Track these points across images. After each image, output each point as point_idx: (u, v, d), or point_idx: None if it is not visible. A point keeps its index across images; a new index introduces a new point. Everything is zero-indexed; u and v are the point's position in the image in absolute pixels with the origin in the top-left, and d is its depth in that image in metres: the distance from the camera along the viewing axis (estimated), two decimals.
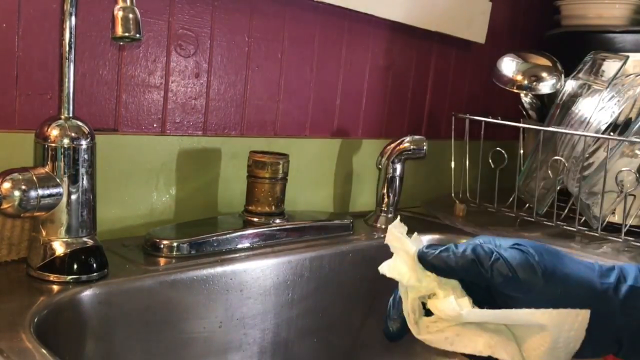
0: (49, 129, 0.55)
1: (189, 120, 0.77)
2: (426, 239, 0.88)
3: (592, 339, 0.45)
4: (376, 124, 1.03)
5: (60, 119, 0.55)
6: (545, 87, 0.97)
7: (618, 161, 0.91)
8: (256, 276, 0.69)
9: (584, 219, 0.94)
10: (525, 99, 1.07)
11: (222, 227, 0.73)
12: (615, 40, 1.13)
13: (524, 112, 1.10)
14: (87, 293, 0.55)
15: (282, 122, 0.88)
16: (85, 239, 0.57)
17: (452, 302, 0.44)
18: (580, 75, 0.98)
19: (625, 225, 0.90)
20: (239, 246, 0.71)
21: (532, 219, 0.97)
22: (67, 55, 0.55)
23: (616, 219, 0.94)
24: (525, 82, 0.97)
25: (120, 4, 0.50)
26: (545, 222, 0.95)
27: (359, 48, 0.97)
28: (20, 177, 0.52)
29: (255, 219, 0.75)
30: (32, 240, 0.57)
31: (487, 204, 1.03)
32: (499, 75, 0.99)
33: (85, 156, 0.56)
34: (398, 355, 0.86)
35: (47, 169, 0.55)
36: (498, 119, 1.02)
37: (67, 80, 0.55)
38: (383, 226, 0.90)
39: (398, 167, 0.90)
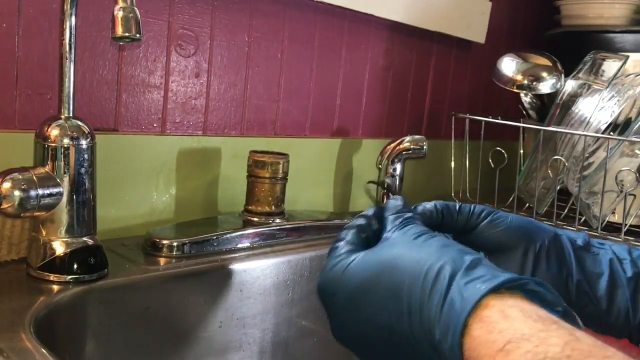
0: (49, 129, 0.55)
1: (189, 120, 0.77)
2: None
3: None
4: (376, 123, 1.03)
5: (60, 118, 0.55)
6: (545, 86, 0.97)
7: (618, 161, 0.91)
8: (256, 276, 0.69)
9: (584, 218, 0.94)
10: (525, 98, 1.07)
11: (222, 226, 0.73)
12: (615, 40, 1.13)
13: (524, 112, 1.10)
14: (87, 293, 0.55)
15: (282, 122, 0.88)
16: (85, 239, 0.57)
17: None
18: (580, 75, 0.98)
19: (625, 225, 0.90)
20: (239, 246, 0.71)
21: (532, 219, 0.97)
22: (67, 55, 0.55)
23: (616, 218, 0.94)
24: (525, 81, 0.97)
25: (120, 4, 0.50)
26: (545, 222, 0.95)
27: (359, 48, 0.97)
28: (20, 177, 0.52)
29: (255, 219, 0.75)
30: (32, 240, 0.57)
31: (487, 204, 1.03)
32: (499, 75, 0.99)
33: (85, 156, 0.56)
34: None
35: (47, 168, 0.55)
36: (498, 119, 1.03)
37: (67, 80, 0.55)
38: None
39: (398, 167, 0.90)
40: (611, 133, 0.93)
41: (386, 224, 0.42)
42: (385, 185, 0.90)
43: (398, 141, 0.90)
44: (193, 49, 0.76)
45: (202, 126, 0.78)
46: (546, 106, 1.05)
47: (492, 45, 1.17)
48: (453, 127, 1.05)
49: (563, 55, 1.02)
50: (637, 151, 0.93)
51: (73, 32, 0.55)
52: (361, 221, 0.44)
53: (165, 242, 0.66)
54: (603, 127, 0.90)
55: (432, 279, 0.35)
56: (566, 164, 0.93)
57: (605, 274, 0.47)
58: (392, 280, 0.37)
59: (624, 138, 0.88)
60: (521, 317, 0.31)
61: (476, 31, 1.13)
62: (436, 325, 0.33)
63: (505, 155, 0.98)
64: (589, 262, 0.48)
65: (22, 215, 0.53)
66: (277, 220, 0.76)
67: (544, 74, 0.97)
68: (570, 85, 0.99)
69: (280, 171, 0.75)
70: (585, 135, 0.89)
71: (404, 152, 0.90)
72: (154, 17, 0.71)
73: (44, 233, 0.56)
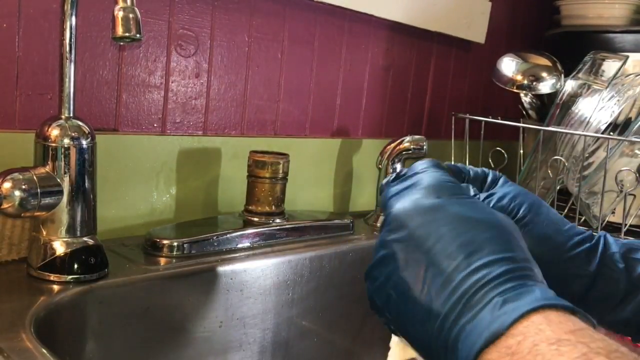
0: (50, 129, 0.55)
1: (189, 120, 0.77)
2: None
3: None
4: (376, 123, 1.03)
5: (60, 118, 0.56)
6: (545, 87, 0.97)
7: (618, 161, 0.91)
8: (256, 276, 0.69)
9: (583, 218, 0.94)
10: (525, 98, 1.07)
11: (222, 226, 0.73)
12: (615, 40, 1.13)
13: (524, 112, 1.10)
14: (88, 293, 0.55)
15: (282, 122, 0.88)
16: (85, 239, 0.57)
17: None
18: (580, 75, 0.98)
19: (625, 225, 0.90)
20: (239, 246, 0.71)
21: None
22: (67, 55, 0.55)
23: (616, 218, 0.94)
24: (525, 82, 0.97)
25: (121, 4, 0.50)
26: None
27: (359, 48, 0.97)
28: (21, 177, 0.52)
29: (256, 219, 0.75)
30: (33, 240, 0.57)
31: None
32: (499, 75, 0.99)
33: (86, 156, 0.56)
34: None
35: (48, 168, 0.55)
36: (498, 119, 1.03)
37: (67, 80, 0.55)
38: None
39: (398, 167, 0.90)
40: (611, 133, 0.93)
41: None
42: None
43: (398, 141, 0.90)
44: (193, 49, 0.76)
45: (202, 126, 0.78)
46: (546, 106, 1.05)
47: (492, 45, 1.17)
48: (453, 127, 1.05)
49: (563, 55, 1.02)
50: (637, 151, 0.93)
51: (73, 32, 0.55)
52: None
53: (165, 242, 0.66)
54: (603, 127, 0.91)
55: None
56: (566, 164, 0.93)
57: (616, 296, 0.44)
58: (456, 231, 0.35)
59: (624, 138, 0.88)
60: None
61: (476, 31, 1.13)
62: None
63: (505, 155, 0.98)
64: (602, 284, 0.44)
65: (22, 215, 0.53)
66: (277, 220, 0.76)
67: (544, 74, 0.97)
68: (570, 85, 0.99)
69: (280, 171, 0.75)
70: (585, 135, 0.89)
71: (404, 152, 0.90)
72: (154, 17, 0.71)
73: (44, 233, 0.56)
